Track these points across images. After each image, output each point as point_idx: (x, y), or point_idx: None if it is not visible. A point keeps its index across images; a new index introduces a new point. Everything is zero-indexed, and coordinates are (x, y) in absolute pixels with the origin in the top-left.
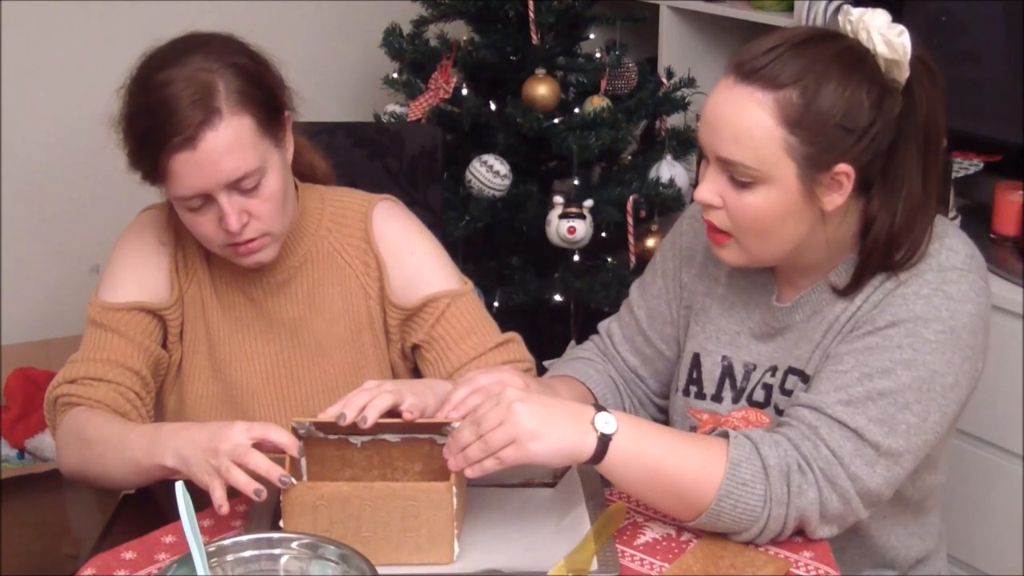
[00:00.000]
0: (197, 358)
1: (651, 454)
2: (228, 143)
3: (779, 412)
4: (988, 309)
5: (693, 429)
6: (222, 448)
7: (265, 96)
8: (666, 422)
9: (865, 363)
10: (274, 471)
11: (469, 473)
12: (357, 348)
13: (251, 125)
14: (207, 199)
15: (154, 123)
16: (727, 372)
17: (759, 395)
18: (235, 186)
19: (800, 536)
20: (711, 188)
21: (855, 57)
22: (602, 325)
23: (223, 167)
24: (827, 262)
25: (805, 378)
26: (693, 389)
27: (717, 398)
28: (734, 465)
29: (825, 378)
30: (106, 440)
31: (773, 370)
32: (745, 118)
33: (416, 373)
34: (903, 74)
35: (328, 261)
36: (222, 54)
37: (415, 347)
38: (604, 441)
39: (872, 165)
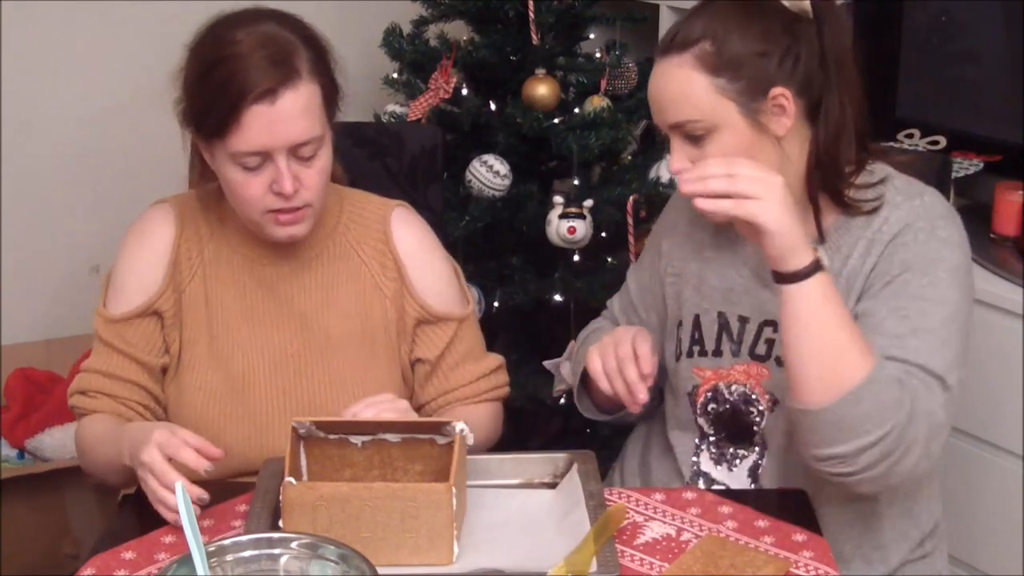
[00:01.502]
0: (197, 349)
1: (837, 308)
2: (302, 106)
3: (780, 364)
4: (970, 259)
5: (695, 388)
6: (143, 460)
7: (330, 76)
8: (660, 393)
9: (897, 308)
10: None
11: (702, 204)
12: (368, 346)
13: (320, 95)
14: (265, 159)
15: (235, 72)
16: (724, 327)
17: (761, 349)
18: (296, 151)
19: (800, 535)
20: (677, 156)
21: None
22: (609, 302)
23: (293, 127)
24: (807, 202)
25: None
26: (696, 349)
27: (717, 352)
28: (881, 361)
29: (867, 331)
30: (96, 448)
31: (774, 325)
32: (675, 81)
33: None
34: (804, 3)
35: (344, 257)
36: (295, 26)
37: (418, 360)
38: (816, 265)
39: (809, 87)
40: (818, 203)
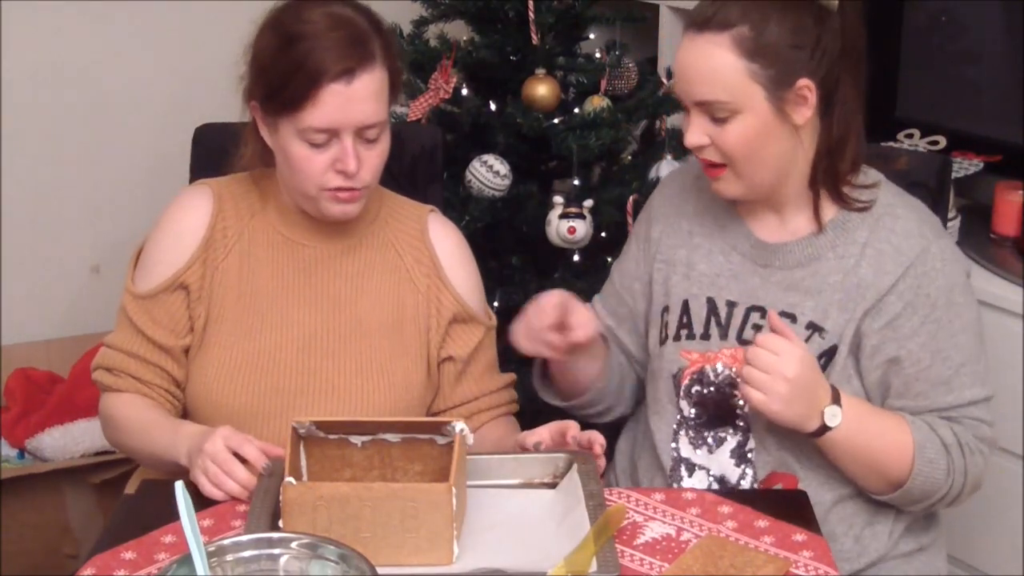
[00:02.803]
0: (224, 325)
1: (859, 442)
2: (374, 89)
3: None
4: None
5: (681, 370)
6: (207, 449)
7: (396, 67)
8: (645, 379)
9: (939, 351)
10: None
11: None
12: (397, 336)
13: (388, 82)
14: (332, 137)
15: (314, 49)
16: (712, 311)
17: (749, 335)
18: (362, 132)
19: (800, 535)
20: (696, 131)
21: None
22: (589, 305)
23: (363, 109)
24: (806, 192)
25: (815, 326)
26: (684, 332)
27: (705, 336)
28: (920, 446)
29: (915, 378)
30: (132, 432)
31: (761, 311)
32: (710, 61)
33: None
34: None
35: (381, 249)
36: (363, 10)
37: (448, 359)
38: (824, 429)
39: (828, 80)
40: (819, 194)
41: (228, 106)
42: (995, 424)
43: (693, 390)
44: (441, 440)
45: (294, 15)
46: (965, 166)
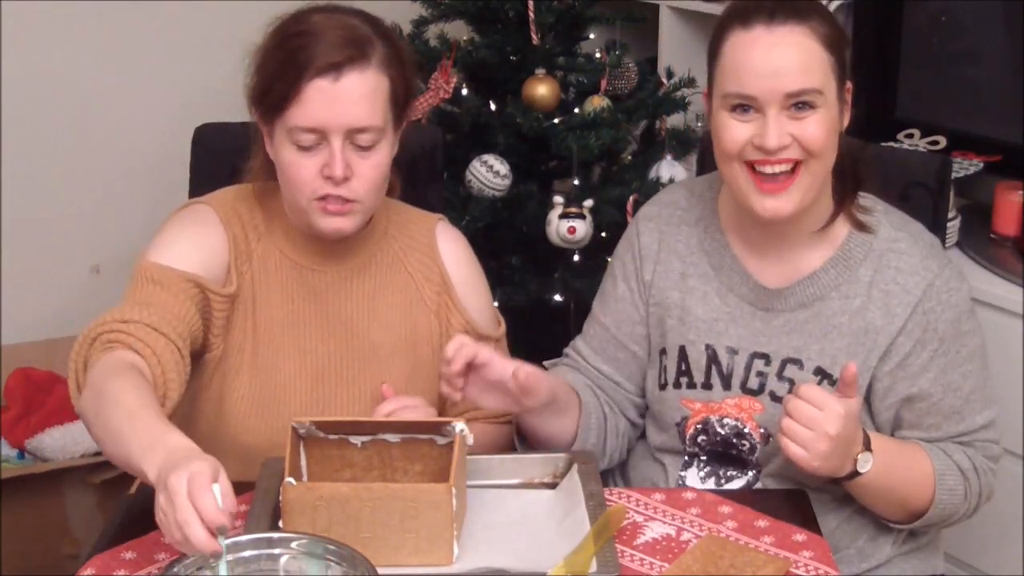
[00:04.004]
0: (243, 356)
1: (885, 483)
2: (366, 91)
3: (775, 399)
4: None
5: (685, 419)
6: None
7: (404, 79)
8: (644, 416)
9: (949, 384)
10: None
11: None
12: (411, 359)
13: (388, 90)
14: (321, 139)
15: (305, 45)
16: (712, 359)
17: (754, 383)
18: (353, 137)
19: (800, 535)
20: (779, 131)
21: None
22: (568, 348)
23: (353, 110)
24: (815, 215)
25: (823, 372)
26: (684, 380)
27: (707, 385)
28: (940, 476)
29: (927, 412)
30: (121, 417)
31: (765, 358)
32: (801, 50)
33: None
34: None
35: (391, 268)
36: (380, 25)
37: None
38: (854, 474)
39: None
40: (841, 204)
41: (228, 106)
42: (1001, 438)
43: (699, 440)
44: (441, 440)
45: (296, 18)
46: (965, 166)
